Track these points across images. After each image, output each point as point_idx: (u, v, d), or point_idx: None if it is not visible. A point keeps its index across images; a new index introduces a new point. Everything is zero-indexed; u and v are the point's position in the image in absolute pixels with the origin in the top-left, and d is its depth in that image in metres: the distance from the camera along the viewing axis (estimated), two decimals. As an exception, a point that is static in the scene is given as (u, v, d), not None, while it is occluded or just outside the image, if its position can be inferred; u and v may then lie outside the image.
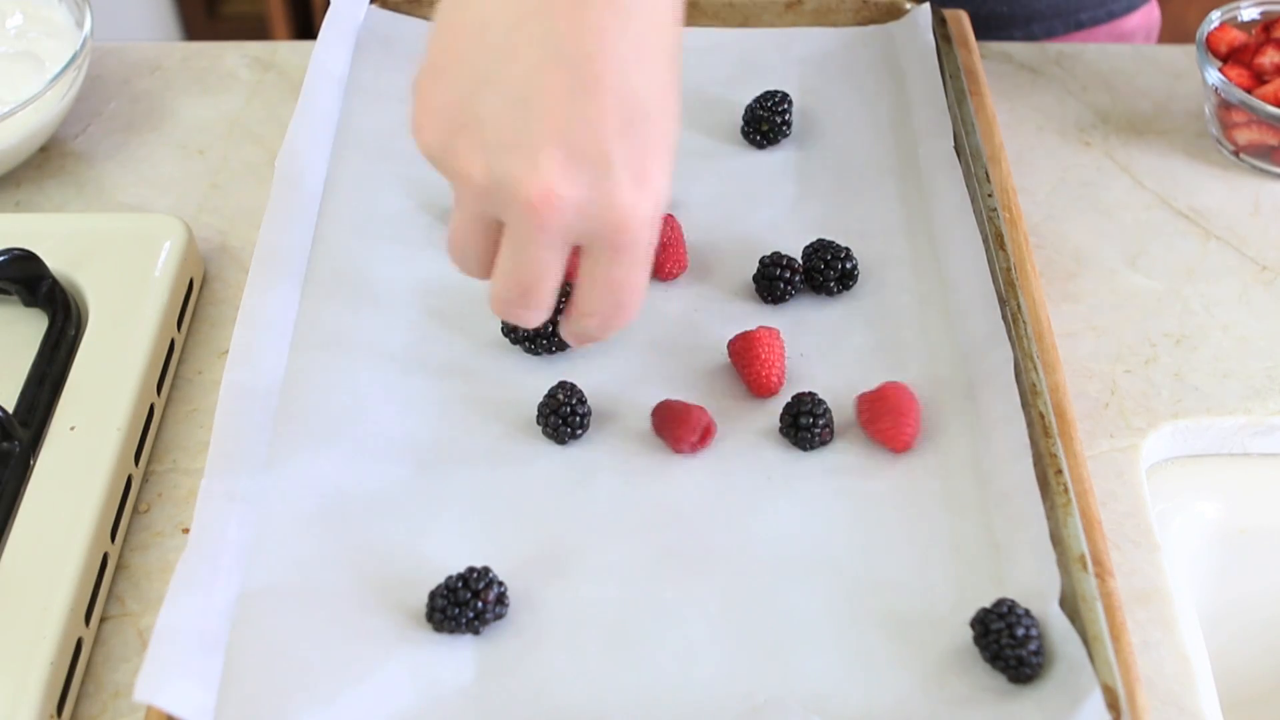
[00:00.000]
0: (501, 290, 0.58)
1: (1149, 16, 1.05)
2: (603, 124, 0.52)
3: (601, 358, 0.72)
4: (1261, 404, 0.73)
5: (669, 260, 0.75)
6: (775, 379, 0.69)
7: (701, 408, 0.67)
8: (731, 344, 0.70)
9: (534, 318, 0.59)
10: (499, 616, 0.60)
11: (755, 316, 0.73)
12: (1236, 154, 0.86)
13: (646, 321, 0.73)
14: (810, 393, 0.68)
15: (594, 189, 0.52)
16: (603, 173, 0.52)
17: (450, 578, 0.60)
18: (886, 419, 0.66)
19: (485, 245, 0.57)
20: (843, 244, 0.75)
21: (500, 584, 0.60)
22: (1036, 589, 0.60)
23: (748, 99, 0.85)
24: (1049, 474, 0.63)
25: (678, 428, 0.67)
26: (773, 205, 0.80)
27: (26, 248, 0.73)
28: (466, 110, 0.53)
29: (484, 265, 0.58)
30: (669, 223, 0.75)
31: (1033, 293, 0.71)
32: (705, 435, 0.67)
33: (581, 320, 0.59)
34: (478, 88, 0.53)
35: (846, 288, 0.75)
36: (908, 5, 0.90)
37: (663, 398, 0.69)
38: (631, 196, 0.53)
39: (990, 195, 0.76)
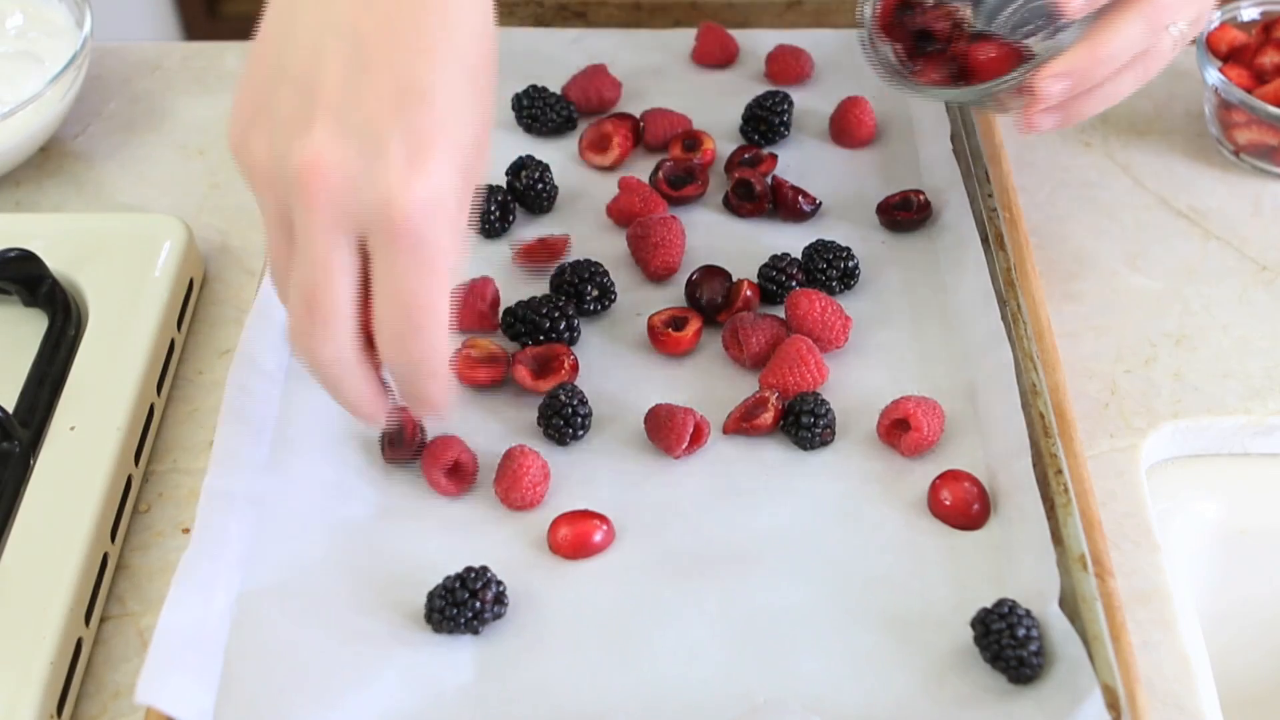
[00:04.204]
0: (291, 307, 0.54)
1: None
2: (377, 98, 0.51)
3: (602, 359, 0.72)
4: (1261, 404, 0.73)
5: (655, 259, 0.75)
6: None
7: (690, 410, 0.67)
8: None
9: (323, 344, 0.54)
10: (498, 616, 0.60)
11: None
12: (1236, 154, 0.86)
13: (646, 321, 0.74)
14: (812, 392, 0.68)
15: (362, 161, 0.51)
16: (372, 146, 0.51)
17: (448, 578, 0.60)
18: (910, 434, 0.67)
19: (287, 259, 0.54)
20: (843, 244, 0.75)
21: (499, 583, 0.60)
22: (1036, 589, 0.60)
23: (747, 99, 0.85)
24: (1049, 474, 0.63)
25: (668, 435, 0.67)
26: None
27: (26, 248, 0.73)
28: (259, 103, 0.53)
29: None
30: (669, 224, 0.75)
31: (1033, 293, 0.71)
32: (696, 438, 0.67)
33: (379, 338, 0.54)
34: (270, 79, 0.53)
35: (848, 287, 0.75)
36: (908, 5, 0.90)
37: (663, 398, 0.69)
38: (401, 175, 0.51)
39: (990, 195, 0.76)
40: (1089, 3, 0.63)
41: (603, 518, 0.64)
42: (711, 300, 0.73)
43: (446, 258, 0.53)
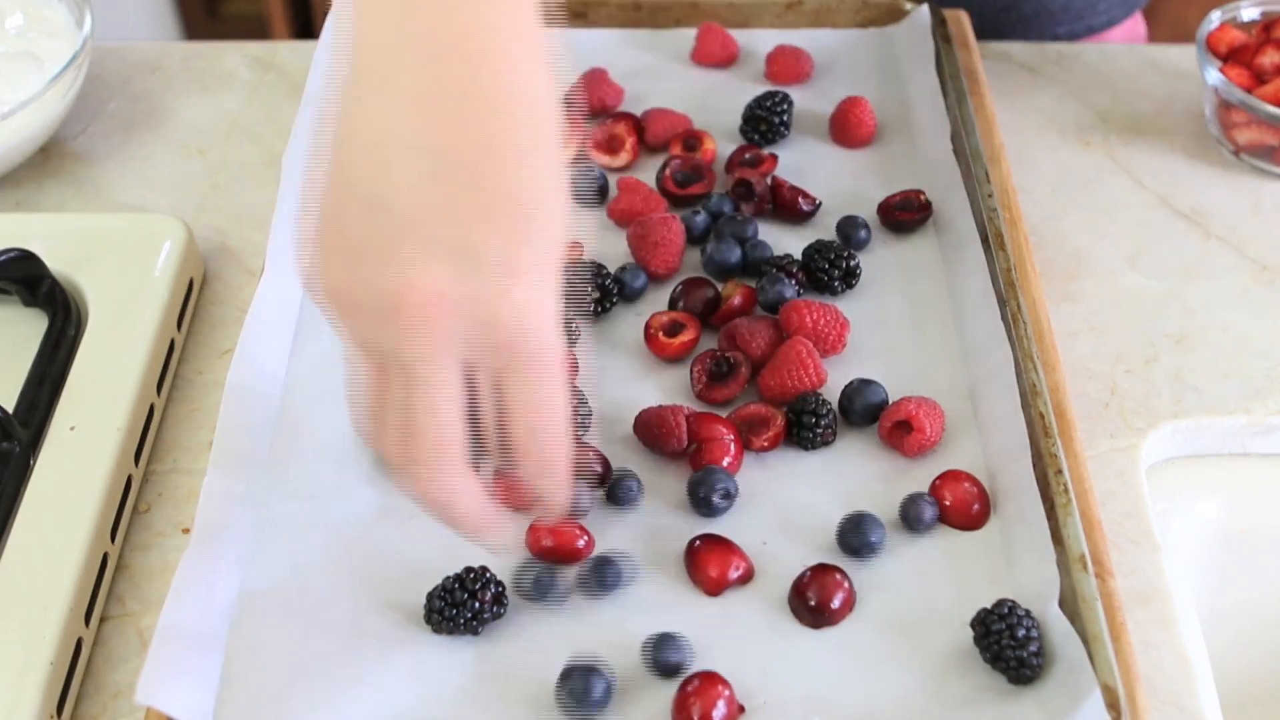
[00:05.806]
0: (392, 442, 0.51)
1: (1132, 32, 1.04)
2: (458, 211, 0.47)
3: (601, 359, 0.72)
4: (1261, 404, 0.73)
5: (655, 259, 0.75)
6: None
7: (678, 407, 0.67)
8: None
9: (439, 479, 0.51)
10: (497, 616, 0.60)
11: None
12: (1236, 154, 0.86)
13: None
14: (814, 393, 0.68)
15: (458, 280, 0.47)
16: (464, 261, 0.47)
17: (448, 578, 0.60)
18: (913, 435, 0.66)
19: (381, 391, 0.51)
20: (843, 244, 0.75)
21: (498, 584, 0.60)
22: (1036, 589, 0.60)
23: (747, 99, 0.85)
24: (1049, 474, 0.63)
25: (662, 440, 0.66)
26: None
27: (26, 248, 0.73)
28: (328, 225, 0.49)
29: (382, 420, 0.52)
30: (669, 224, 0.75)
31: (1033, 293, 0.71)
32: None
33: (520, 464, 0.52)
34: (336, 199, 0.48)
35: (850, 286, 0.75)
36: (908, 6, 0.90)
37: (663, 399, 0.69)
38: (501, 286, 0.47)
39: (990, 195, 0.76)
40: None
41: (581, 528, 0.63)
42: (692, 309, 0.73)
43: (560, 359, 0.50)
